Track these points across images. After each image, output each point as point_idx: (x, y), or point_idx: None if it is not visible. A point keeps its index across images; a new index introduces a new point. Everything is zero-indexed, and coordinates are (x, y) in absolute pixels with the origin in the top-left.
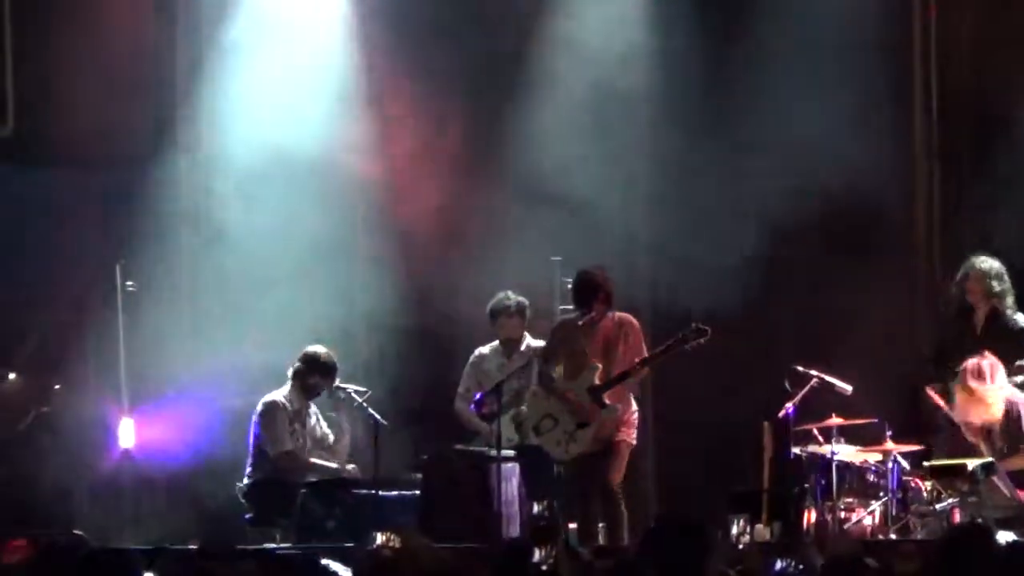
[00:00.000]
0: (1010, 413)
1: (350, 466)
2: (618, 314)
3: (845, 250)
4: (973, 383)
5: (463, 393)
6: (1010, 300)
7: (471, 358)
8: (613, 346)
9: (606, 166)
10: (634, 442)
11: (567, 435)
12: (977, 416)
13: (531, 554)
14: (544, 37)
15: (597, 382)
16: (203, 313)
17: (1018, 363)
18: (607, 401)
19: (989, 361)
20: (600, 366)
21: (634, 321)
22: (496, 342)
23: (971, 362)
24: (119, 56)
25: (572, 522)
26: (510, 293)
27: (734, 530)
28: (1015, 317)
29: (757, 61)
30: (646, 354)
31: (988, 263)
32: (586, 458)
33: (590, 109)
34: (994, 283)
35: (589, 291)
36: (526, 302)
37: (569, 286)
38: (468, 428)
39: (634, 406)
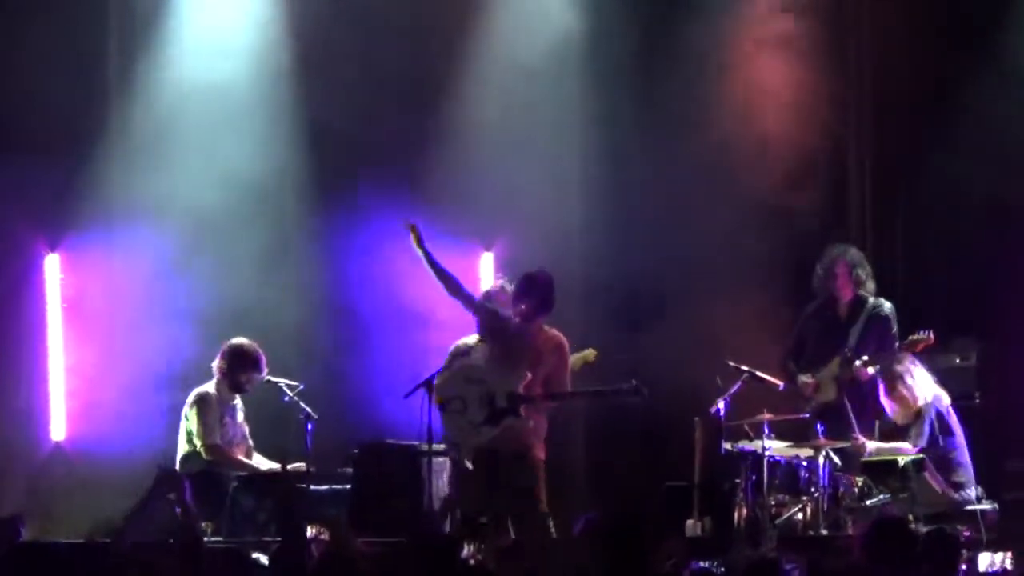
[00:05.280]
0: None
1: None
2: (552, 331)
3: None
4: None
5: None
6: (871, 287)
7: (451, 348)
8: (538, 361)
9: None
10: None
11: (472, 425)
12: (899, 417)
13: (460, 550)
14: None
15: (520, 391)
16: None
17: (864, 357)
18: (522, 413)
19: (904, 367)
20: (529, 375)
21: (566, 345)
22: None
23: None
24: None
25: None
26: (504, 283)
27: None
28: (880, 302)
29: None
30: (567, 379)
31: (854, 251)
32: (492, 455)
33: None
34: (860, 271)
35: (550, 297)
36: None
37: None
38: None
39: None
